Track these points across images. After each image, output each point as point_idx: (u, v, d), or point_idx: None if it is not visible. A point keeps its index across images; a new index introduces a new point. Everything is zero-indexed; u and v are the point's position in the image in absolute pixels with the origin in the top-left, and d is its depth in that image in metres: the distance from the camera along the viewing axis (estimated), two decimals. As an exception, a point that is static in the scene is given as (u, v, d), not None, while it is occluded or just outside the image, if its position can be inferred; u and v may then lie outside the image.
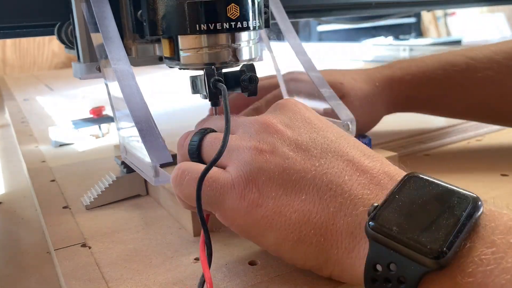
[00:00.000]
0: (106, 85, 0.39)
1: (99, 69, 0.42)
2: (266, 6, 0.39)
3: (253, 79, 0.35)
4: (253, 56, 0.39)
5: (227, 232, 0.36)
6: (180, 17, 0.35)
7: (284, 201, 0.27)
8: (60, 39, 0.46)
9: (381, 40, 2.72)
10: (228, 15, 0.35)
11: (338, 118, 0.40)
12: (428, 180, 0.24)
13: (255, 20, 0.37)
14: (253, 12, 0.36)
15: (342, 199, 0.26)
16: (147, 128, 0.33)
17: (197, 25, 0.35)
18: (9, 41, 1.78)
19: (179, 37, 0.36)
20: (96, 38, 0.39)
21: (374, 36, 2.82)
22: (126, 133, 0.38)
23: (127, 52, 0.40)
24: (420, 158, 0.51)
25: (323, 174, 0.27)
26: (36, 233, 0.41)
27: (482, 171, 0.46)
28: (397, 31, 2.94)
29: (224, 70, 0.36)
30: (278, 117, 0.31)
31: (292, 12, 0.70)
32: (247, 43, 0.37)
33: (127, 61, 0.36)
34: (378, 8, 0.79)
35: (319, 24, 2.58)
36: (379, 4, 0.78)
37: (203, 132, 0.32)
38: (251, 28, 0.36)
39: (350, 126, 0.40)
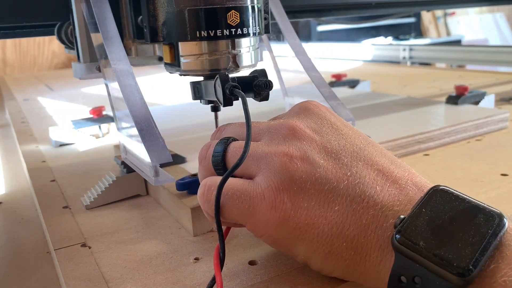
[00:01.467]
0: (106, 85, 0.39)
1: (99, 69, 0.42)
2: (266, 12, 0.39)
3: (268, 84, 0.35)
4: (253, 62, 0.39)
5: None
6: (180, 24, 0.35)
7: (317, 212, 0.26)
8: (60, 39, 0.46)
9: (380, 40, 2.72)
10: (229, 21, 0.35)
11: None
12: (454, 194, 0.24)
13: (255, 26, 0.37)
14: (253, 18, 0.36)
15: (374, 211, 0.25)
16: (147, 128, 0.33)
17: (198, 32, 0.35)
18: (9, 41, 1.78)
19: (180, 44, 0.36)
20: (96, 38, 0.39)
21: (374, 36, 2.82)
22: (126, 133, 0.38)
23: (127, 52, 0.40)
24: (420, 158, 0.51)
25: (356, 184, 0.26)
26: (36, 233, 0.42)
27: (482, 171, 0.46)
28: (397, 31, 2.94)
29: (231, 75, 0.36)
30: (304, 121, 0.30)
31: (292, 12, 0.70)
32: (247, 49, 0.38)
33: (127, 61, 0.36)
34: (378, 8, 0.79)
35: (319, 24, 2.58)
36: (379, 4, 0.78)
37: (225, 142, 0.30)
38: (251, 34, 0.36)
39: None
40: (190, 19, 0.35)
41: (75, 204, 0.43)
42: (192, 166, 0.45)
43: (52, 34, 0.47)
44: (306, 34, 2.59)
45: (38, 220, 0.44)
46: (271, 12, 0.44)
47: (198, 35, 0.35)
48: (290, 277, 0.29)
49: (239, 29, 0.36)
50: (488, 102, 0.70)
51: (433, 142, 0.54)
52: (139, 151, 0.34)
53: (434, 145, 0.55)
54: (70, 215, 0.41)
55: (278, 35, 0.47)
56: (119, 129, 0.40)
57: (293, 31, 0.46)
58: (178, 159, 0.46)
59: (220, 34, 0.35)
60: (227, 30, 0.35)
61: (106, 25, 0.37)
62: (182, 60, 0.37)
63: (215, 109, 0.41)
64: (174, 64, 0.38)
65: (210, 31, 0.35)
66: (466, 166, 0.48)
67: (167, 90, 1.13)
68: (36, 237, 0.41)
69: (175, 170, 0.44)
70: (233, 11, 0.35)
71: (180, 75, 0.38)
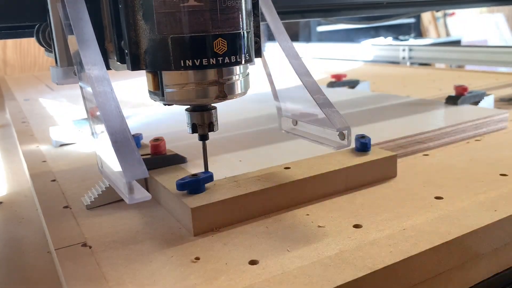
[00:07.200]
0: (81, 88, 0.36)
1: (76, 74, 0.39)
2: (258, 35, 0.37)
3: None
4: (243, 90, 0.36)
5: (227, 231, 0.36)
6: (163, 52, 0.33)
7: None
8: (39, 41, 0.44)
9: (380, 40, 2.72)
10: (215, 50, 0.33)
11: (332, 126, 0.38)
12: None
13: (244, 53, 0.34)
14: (243, 45, 0.34)
15: None
16: (122, 140, 0.29)
17: (182, 61, 0.33)
18: (10, 42, 1.78)
19: (163, 73, 0.34)
20: (72, 41, 0.36)
21: (373, 36, 2.83)
22: (102, 143, 0.34)
23: (108, 56, 0.38)
24: (420, 158, 0.51)
25: None
26: (37, 233, 0.42)
27: (482, 171, 0.46)
28: (397, 32, 2.94)
29: None
30: None
31: (301, 12, 0.69)
32: (237, 77, 0.35)
33: (102, 66, 0.33)
34: (389, 7, 0.78)
35: (319, 24, 2.58)
36: (390, 4, 0.77)
37: None
38: (240, 62, 0.34)
39: (345, 135, 0.38)
40: (174, 48, 0.32)
41: (75, 204, 0.44)
42: (192, 166, 0.45)
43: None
44: (306, 35, 2.59)
45: (38, 220, 0.44)
46: (261, 13, 0.42)
47: (182, 64, 0.32)
48: (290, 277, 0.29)
49: (226, 58, 0.33)
50: (487, 102, 0.70)
51: (433, 142, 0.55)
52: (114, 164, 0.31)
53: (434, 145, 0.55)
54: (71, 215, 0.41)
55: (271, 35, 0.45)
56: (94, 136, 0.37)
57: (285, 33, 0.42)
58: (178, 159, 0.46)
59: (206, 63, 0.33)
60: (214, 59, 0.33)
61: (81, 26, 0.34)
62: (166, 89, 0.34)
63: (203, 138, 0.38)
64: (158, 93, 0.35)
65: (195, 60, 0.32)
66: (465, 166, 0.48)
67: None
68: (37, 237, 0.41)
69: (176, 170, 0.44)
70: (220, 39, 0.33)
71: (165, 104, 0.36)
